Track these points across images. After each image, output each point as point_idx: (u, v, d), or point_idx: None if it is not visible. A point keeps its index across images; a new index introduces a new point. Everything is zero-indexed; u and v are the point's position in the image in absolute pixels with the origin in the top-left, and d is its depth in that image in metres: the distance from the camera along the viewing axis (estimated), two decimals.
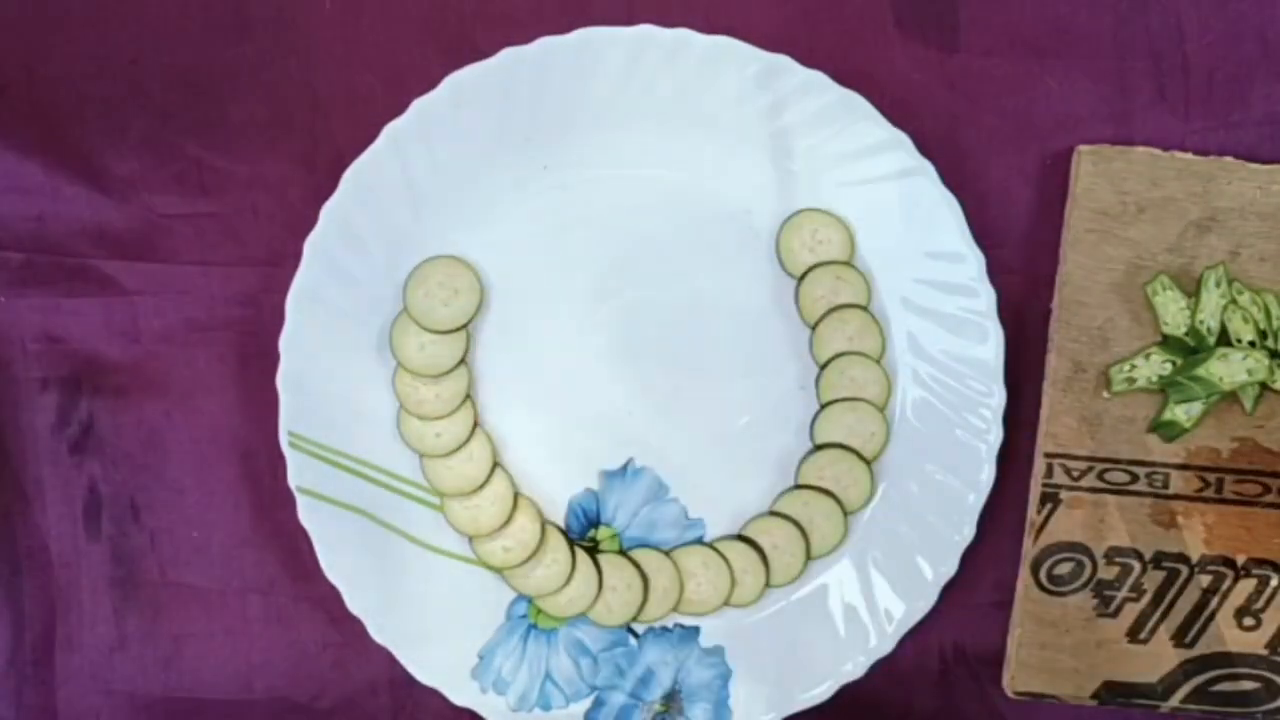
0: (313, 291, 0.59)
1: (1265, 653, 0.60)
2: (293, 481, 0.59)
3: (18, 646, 0.63)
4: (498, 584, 0.61)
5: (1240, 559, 0.60)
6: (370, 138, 0.59)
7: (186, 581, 0.63)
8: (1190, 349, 0.60)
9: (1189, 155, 0.60)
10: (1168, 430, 0.60)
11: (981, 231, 0.60)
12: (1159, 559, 0.60)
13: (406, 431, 0.61)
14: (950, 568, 0.60)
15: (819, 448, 0.61)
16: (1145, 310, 0.60)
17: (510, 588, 0.61)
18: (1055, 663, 0.60)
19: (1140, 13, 0.61)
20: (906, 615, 0.60)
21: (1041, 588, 0.60)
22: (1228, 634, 0.60)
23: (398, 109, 0.59)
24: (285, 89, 0.62)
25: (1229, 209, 0.60)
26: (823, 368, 0.61)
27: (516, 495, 0.61)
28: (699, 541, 0.62)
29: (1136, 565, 0.60)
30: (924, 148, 0.59)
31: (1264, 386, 0.60)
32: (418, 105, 0.59)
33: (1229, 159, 0.60)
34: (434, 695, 0.60)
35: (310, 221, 0.59)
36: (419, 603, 0.60)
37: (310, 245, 0.59)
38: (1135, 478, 0.60)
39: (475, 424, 0.61)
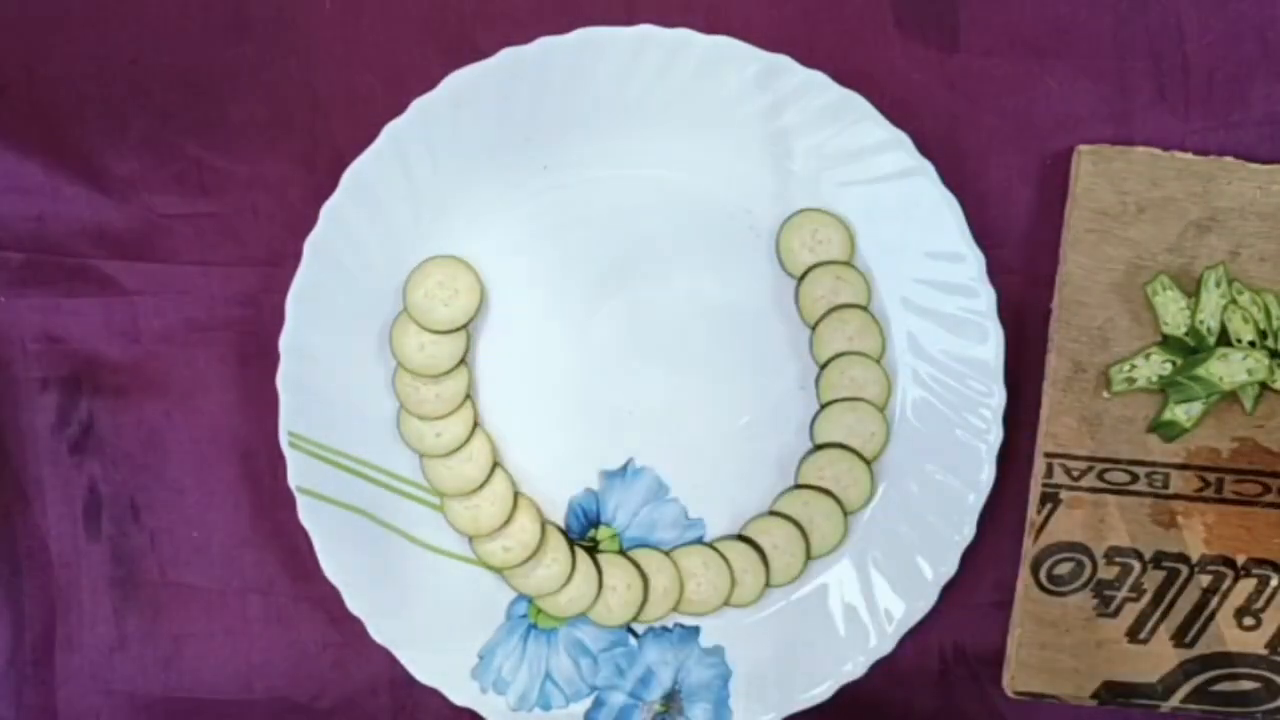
0: (313, 291, 0.59)
1: (1265, 653, 0.60)
2: (293, 481, 0.59)
3: (18, 646, 0.63)
4: (498, 584, 0.61)
5: (1240, 559, 0.60)
6: (370, 138, 0.59)
7: (186, 581, 0.63)
8: (1190, 349, 0.60)
9: (1189, 155, 0.60)
10: (1168, 430, 0.60)
11: (981, 231, 0.60)
12: (1159, 559, 0.60)
13: (406, 431, 0.61)
14: (950, 568, 0.60)
15: (819, 447, 0.61)
16: (1145, 310, 0.60)
17: (510, 588, 0.61)
18: (1055, 663, 0.60)
19: (1140, 13, 0.61)
20: (906, 615, 0.60)
21: (1041, 588, 0.60)
22: (1228, 634, 0.60)
23: (398, 109, 0.59)
24: (285, 89, 0.62)
25: (1229, 209, 0.60)
26: (823, 368, 0.61)
27: (516, 495, 0.61)
28: (699, 541, 0.62)
29: (1136, 565, 0.60)
30: (924, 148, 0.59)
31: (1264, 386, 0.60)
32: (418, 105, 0.59)
33: (1229, 159, 0.60)
34: (434, 695, 0.60)
35: (310, 221, 0.59)
36: (419, 603, 0.60)
37: (310, 245, 0.59)
38: (1135, 478, 0.60)
39: (475, 424, 0.61)
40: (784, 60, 0.59)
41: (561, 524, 0.62)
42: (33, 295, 0.62)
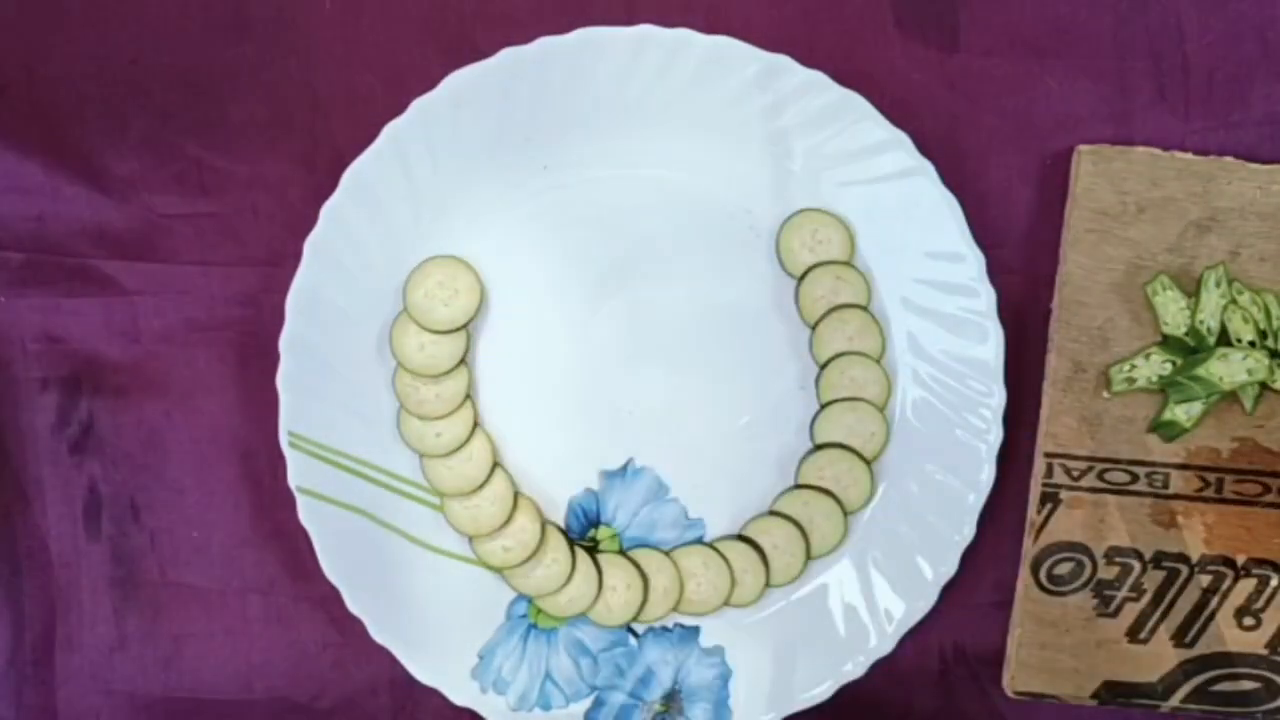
0: (313, 291, 0.59)
1: (1265, 652, 0.60)
2: (293, 481, 0.59)
3: (18, 646, 0.63)
4: (498, 584, 0.61)
5: (1240, 559, 0.60)
6: (370, 138, 0.59)
7: (186, 581, 0.63)
8: (1190, 349, 0.60)
9: (1189, 155, 0.60)
10: (1168, 430, 0.60)
11: (981, 231, 0.60)
12: (1159, 559, 0.60)
13: (406, 431, 0.61)
14: (950, 568, 0.60)
15: (819, 447, 0.61)
16: (1145, 310, 0.60)
17: (510, 587, 0.61)
18: (1055, 663, 0.60)
19: (1140, 13, 0.61)
20: (906, 615, 0.60)
21: (1041, 588, 0.60)
22: (1228, 634, 0.60)
23: (398, 109, 0.59)
24: (285, 89, 0.62)
25: (1229, 209, 0.60)
26: (823, 368, 0.61)
27: (516, 495, 0.61)
28: (699, 541, 0.62)
29: (1136, 565, 0.60)
30: (924, 148, 0.59)
31: (1264, 386, 0.60)
32: (418, 105, 0.59)
33: (1229, 159, 0.60)
34: (434, 695, 0.60)
35: (310, 221, 0.59)
36: (419, 603, 0.60)
37: (310, 245, 0.59)
38: (1135, 478, 0.60)
39: (475, 424, 0.61)
40: (784, 60, 0.59)
41: (561, 524, 0.62)
42: (33, 295, 0.62)
